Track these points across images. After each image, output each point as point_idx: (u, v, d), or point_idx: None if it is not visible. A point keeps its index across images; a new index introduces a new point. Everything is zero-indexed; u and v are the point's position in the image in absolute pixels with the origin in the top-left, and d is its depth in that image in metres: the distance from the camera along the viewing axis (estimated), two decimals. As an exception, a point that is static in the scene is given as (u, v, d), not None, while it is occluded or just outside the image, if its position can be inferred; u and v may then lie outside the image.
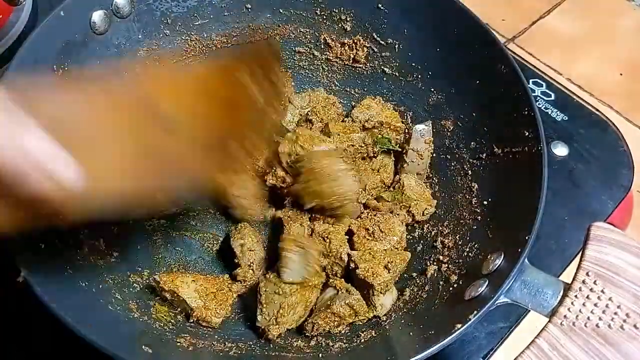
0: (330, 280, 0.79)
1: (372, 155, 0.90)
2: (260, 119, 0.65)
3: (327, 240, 0.79)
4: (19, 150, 0.39)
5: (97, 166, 0.47)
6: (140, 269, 0.82)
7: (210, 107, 0.59)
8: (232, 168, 0.65)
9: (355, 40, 0.96)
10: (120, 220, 0.52)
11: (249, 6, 0.96)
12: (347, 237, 0.83)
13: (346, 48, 0.98)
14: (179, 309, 0.79)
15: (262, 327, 0.75)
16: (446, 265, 0.79)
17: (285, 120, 0.94)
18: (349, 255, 0.80)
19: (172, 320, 0.76)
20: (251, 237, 0.83)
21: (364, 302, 0.77)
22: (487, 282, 0.66)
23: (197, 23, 0.95)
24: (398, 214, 0.86)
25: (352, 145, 0.87)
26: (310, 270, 0.76)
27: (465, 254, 0.77)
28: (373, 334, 0.75)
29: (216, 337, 0.76)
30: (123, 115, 0.52)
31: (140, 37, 0.90)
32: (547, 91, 1.08)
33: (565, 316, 0.60)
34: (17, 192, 0.40)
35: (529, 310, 0.66)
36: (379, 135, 0.92)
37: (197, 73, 0.63)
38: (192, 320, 0.77)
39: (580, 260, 0.63)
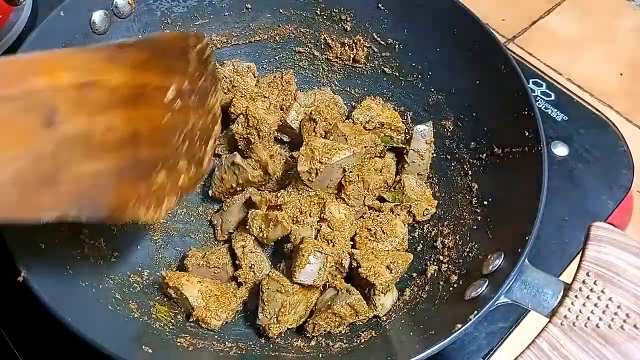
0: (331, 281, 0.79)
1: (380, 155, 0.91)
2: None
3: (331, 244, 0.79)
4: None
5: None
6: (140, 269, 0.82)
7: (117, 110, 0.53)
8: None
9: (355, 40, 0.96)
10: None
11: (249, 6, 0.96)
12: (351, 242, 0.83)
13: (346, 48, 0.98)
14: (179, 309, 0.79)
15: (263, 325, 0.75)
16: (446, 265, 0.79)
17: (290, 118, 0.94)
18: (351, 254, 0.80)
19: (172, 320, 0.76)
20: (252, 239, 0.83)
21: (365, 301, 0.77)
22: (487, 282, 0.66)
23: (197, 23, 0.95)
24: (399, 214, 0.86)
25: (365, 147, 0.87)
26: (323, 275, 0.76)
27: (466, 254, 0.77)
28: (373, 334, 0.75)
29: (216, 337, 0.76)
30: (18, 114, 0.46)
31: (140, 37, 0.90)
32: (547, 91, 1.08)
33: (565, 316, 0.60)
34: None
35: (529, 311, 0.66)
36: (383, 134, 0.92)
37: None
38: (192, 320, 0.77)
39: (580, 260, 0.63)
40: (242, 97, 0.92)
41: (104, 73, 0.52)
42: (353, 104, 0.99)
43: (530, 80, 1.08)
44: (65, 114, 0.48)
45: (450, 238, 0.82)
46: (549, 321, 0.61)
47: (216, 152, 0.97)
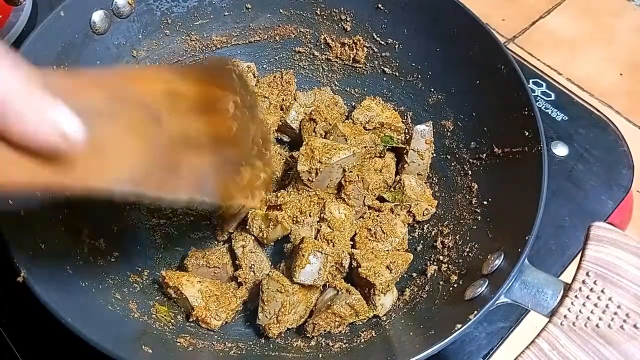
0: (331, 281, 0.79)
1: (380, 155, 0.91)
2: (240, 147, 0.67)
3: (331, 244, 0.79)
4: (33, 103, 0.42)
5: (100, 140, 0.49)
6: (140, 269, 0.82)
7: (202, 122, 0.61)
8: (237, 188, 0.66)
9: (355, 40, 0.96)
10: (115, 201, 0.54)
11: (249, 6, 0.96)
12: (351, 242, 0.83)
13: (346, 48, 0.98)
14: (179, 309, 0.79)
15: (263, 325, 0.75)
16: (446, 265, 0.79)
17: (290, 118, 0.94)
18: (351, 254, 0.80)
19: (172, 321, 0.76)
20: (252, 239, 0.83)
21: (365, 301, 0.77)
22: (487, 282, 0.66)
23: (197, 23, 0.95)
24: (399, 214, 0.86)
25: (365, 147, 0.87)
26: (323, 275, 0.76)
27: (465, 254, 0.77)
28: (373, 334, 0.75)
29: (216, 337, 0.76)
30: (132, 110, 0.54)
31: (140, 37, 0.90)
32: (547, 91, 1.08)
33: (565, 316, 0.60)
34: (26, 139, 0.43)
35: (529, 310, 0.66)
36: (383, 134, 0.92)
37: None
38: (192, 320, 0.77)
39: (580, 260, 0.63)
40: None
41: (181, 85, 0.60)
42: (353, 104, 0.99)
43: (530, 80, 1.08)
44: (165, 115, 0.56)
45: (450, 238, 0.82)
46: (549, 321, 0.61)
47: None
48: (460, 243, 0.80)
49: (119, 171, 0.50)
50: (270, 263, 0.84)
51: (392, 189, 0.89)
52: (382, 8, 0.92)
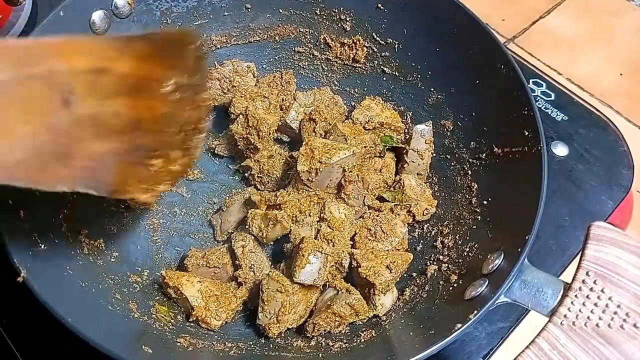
0: (331, 281, 0.79)
1: (380, 155, 0.91)
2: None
3: (331, 243, 0.79)
4: None
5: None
6: (140, 269, 0.82)
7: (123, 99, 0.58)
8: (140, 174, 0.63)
9: (355, 40, 0.96)
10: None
11: (248, 6, 0.96)
12: (351, 242, 0.83)
13: (346, 48, 0.98)
14: (179, 309, 0.79)
15: (263, 325, 0.75)
16: (446, 265, 0.79)
17: (290, 118, 0.94)
18: (351, 254, 0.80)
19: (172, 321, 0.76)
20: (252, 239, 0.83)
21: (365, 301, 0.77)
22: (487, 282, 0.66)
23: (196, 23, 0.95)
24: (399, 214, 0.86)
25: (365, 147, 0.87)
26: (323, 275, 0.76)
27: (465, 253, 0.77)
28: (373, 333, 0.75)
29: (216, 337, 0.76)
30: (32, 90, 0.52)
31: (143, 32, 0.90)
32: (547, 91, 1.08)
33: (565, 316, 0.60)
34: None
35: (529, 310, 0.66)
36: (383, 134, 0.92)
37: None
38: (192, 320, 0.77)
39: (580, 259, 0.63)
40: (241, 97, 0.93)
41: (115, 61, 0.57)
42: (353, 103, 0.99)
43: (530, 80, 1.08)
44: (80, 96, 0.54)
45: (450, 238, 0.82)
46: (549, 321, 0.61)
47: (216, 152, 0.97)
48: (460, 243, 0.80)
49: None
50: (270, 263, 0.84)
51: (392, 188, 0.89)
52: (382, 8, 0.92)
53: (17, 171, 0.51)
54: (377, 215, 0.85)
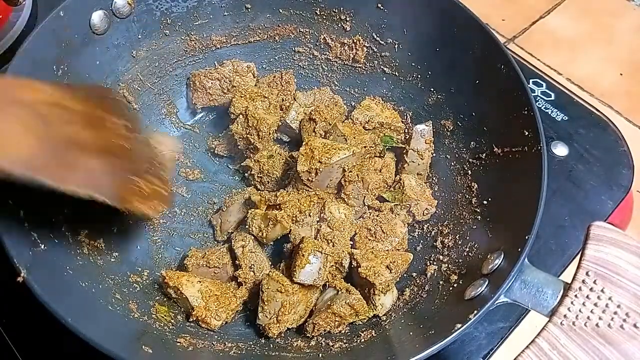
0: (331, 281, 0.79)
1: (380, 155, 0.91)
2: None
3: (331, 243, 0.79)
4: None
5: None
6: (140, 269, 0.82)
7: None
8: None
9: (355, 40, 0.96)
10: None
11: (248, 6, 0.96)
12: (351, 242, 0.83)
13: (346, 48, 0.98)
14: (179, 309, 0.79)
15: (263, 325, 0.75)
16: (446, 265, 0.79)
17: (290, 118, 0.94)
18: (351, 254, 0.80)
19: (172, 321, 0.76)
20: (252, 239, 0.83)
21: (365, 301, 0.77)
22: (487, 282, 0.66)
23: (197, 23, 0.95)
24: (399, 214, 0.86)
25: (365, 147, 0.87)
26: (323, 275, 0.76)
27: (465, 253, 0.77)
28: (373, 333, 0.75)
29: (216, 337, 0.76)
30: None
31: (139, 37, 0.90)
32: (547, 91, 1.08)
33: (565, 316, 0.60)
34: None
35: (529, 310, 0.65)
36: (382, 134, 0.92)
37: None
38: (192, 320, 0.77)
39: (580, 259, 0.63)
40: (241, 97, 0.93)
41: (68, 101, 0.68)
42: (353, 104, 0.99)
43: (530, 80, 1.08)
44: (52, 120, 0.64)
45: (450, 238, 0.82)
46: (549, 320, 0.61)
47: (216, 152, 0.97)
48: (460, 243, 0.80)
49: (12, 154, 0.58)
50: (270, 263, 0.84)
51: (392, 188, 0.89)
52: (382, 8, 0.92)
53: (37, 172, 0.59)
54: (377, 215, 0.85)
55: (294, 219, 0.81)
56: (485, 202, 0.80)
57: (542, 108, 1.05)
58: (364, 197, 0.86)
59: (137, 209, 0.69)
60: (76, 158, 0.64)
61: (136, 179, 0.70)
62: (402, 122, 0.94)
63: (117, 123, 0.72)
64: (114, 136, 0.71)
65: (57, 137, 0.64)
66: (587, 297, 0.61)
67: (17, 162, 0.58)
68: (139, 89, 0.94)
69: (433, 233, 0.86)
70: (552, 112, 1.05)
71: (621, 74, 1.43)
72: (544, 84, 1.09)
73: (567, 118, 1.05)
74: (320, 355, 0.73)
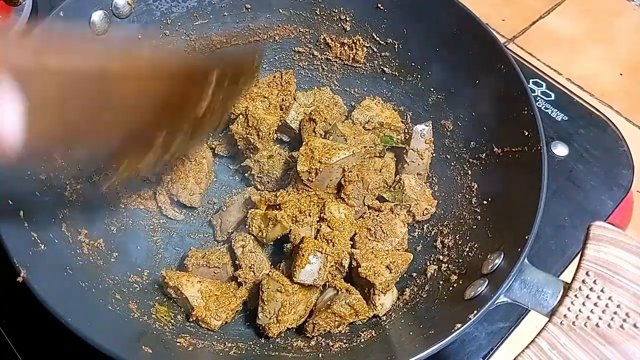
0: (331, 281, 0.79)
1: (380, 155, 0.91)
2: (193, 123, 0.68)
3: (331, 243, 0.79)
4: None
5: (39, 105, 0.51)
6: (140, 269, 0.82)
7: (157, 95, 0.61)
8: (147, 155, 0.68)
9: (355, 40, 0.96)
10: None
11: (248, 6, 0.96)
12: (351, 242, 0.83)
13: (346, 48, 0.98)
14: (179, 309, 0.79)
15: (263, 325, 0.75)
16: (446, 265, 0.79)
17: (290, 118, 0.94)
18: (351, 254, 0.80)
19: (172, 321, 0.76)
20: (252, 239, 0.83)
21: (364, 301, 0.77)
22: (487, 282, 0.66)
23: (196, 23, 0.95)
24: (399, 214, 0.86)
25: (364, 147, 0.87)
26: (323, 275, 0.76)
27: (465, 253, 0.77)
28: (373, 333, 0.75)
29: (216, 337, 0.76)
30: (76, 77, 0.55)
31: (140, 37, 0.90)
32: (547, 91, 1.08)
33: (565, 315, 0.60)
34: None
35: (529, 310, 0.65)
36: (382, 134, 0.92)
37: (170, 60, 0.65)
38: (192, 320, 0.77)
39: (580, 259, 0.63)
40: (241, 97, 0.92)
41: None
42: (353, 104, 0.99)
43: (530, 80, 1.08)
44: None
45: (450, 238, 0.82)
46: (549, 320, 0.61)
47: (216, 152, 0.97)
48: (460, 243, 0.80)
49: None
50: (270, 263, 0.84)
51: (392, 188, 0.89)
52: (382, 8, 0.92)
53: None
54: (377, 215, 0.85)
55: (294, 219, 0.81)
56: (485, 202, 0.80)
57: (542, 108, 1.05)
58: (364, 197, 0.86)
59: (124, 166, 0.68)
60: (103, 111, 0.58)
61: (151, 136, 0.65)
62: (402, 122, 0.94)
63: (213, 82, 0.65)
64: (197, 89, 0.64)
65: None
66: (587, 297, 0.61)
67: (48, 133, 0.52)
68: (139, 89, 0.93)
69: (433, 233, 0.86)
70: (552, 112, 1.05)
71: (621, 74, 1.43)
72: (544, 84, 1.09)
73: (567, 118, 1.05)
74: (320, 355, 0.73)
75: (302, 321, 0.78)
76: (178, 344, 0.72)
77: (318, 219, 0.82)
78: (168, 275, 0.78)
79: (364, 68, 0.98)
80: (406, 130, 0.94)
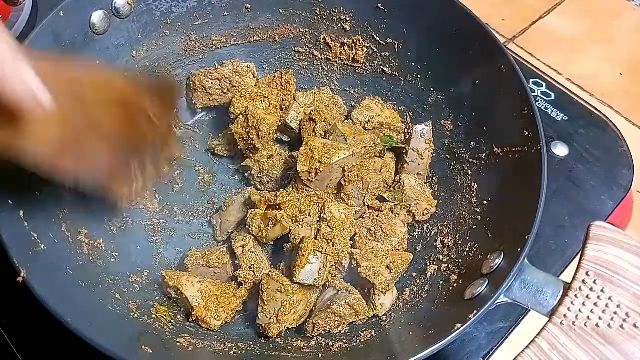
0: (330, 281, 0.79)
1: (380, 155, 0.91)
2: (149, 142, 0.72)
3: (331, 243, 0.79)
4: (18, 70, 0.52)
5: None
6: (140, 269, 0.82)
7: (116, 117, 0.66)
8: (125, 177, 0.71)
9: (355, 40, 0.96)
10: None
11: (248, 6, 0.96)
12: (351, 242, 0.83)
13: (346, 48, 0.98)
14: (179, 309, 0.79)
15: (263, 325, 0.75)
16: (446, 265, 0.79)
17: (290, 118, 0.94)
18: (351, 254, 0.80)
19: (172, 321, 0.76)
20: (252, 239, 0.83)
21: (364, 301, 0.77)
22: (487, 282, 0.66)
23: (197, 23, 0.95)
24: (399, 214, 0.86)
25: (364, 147, 0.87)
26: (323, 275, 0.76)
27: (465, 253, 0.77)
28: (373, 333, 0.75)
29: (216, 337, 0.76)
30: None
31: (139, 37, 0.90)
32: (547, 91, 1.08)
33: (565, 316, 0.60)
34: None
35: (529, 310, 0.65)
36: (382, 134, 0.92)
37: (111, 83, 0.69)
38: (192, 320, 0.77)
39: (580, 259, 0.63)
40: (241, 97, 0.93)
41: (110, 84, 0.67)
42: (353, 104, 0.99)
43: (530, 80, 1.08)
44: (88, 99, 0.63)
45: (450, 238, 0.82)
46: (549, 320, 0.61)
47: (216, 152, 0.97)
48: (460, 243, 0.80)
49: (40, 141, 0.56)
50: (270, 263, 0.84)
51: (392, 188, 0.89)
52: (382, 8, 0.92)
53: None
54: (377, 215, 0.85)
55: (294, 219, 0.81)
56: (485, 202, 0.80)
57: (542, 108, 1.05)
58: (364, 197, 0.86)
59: (115, 192, 0.70)
60: (90, 142, 0.62)
61: (135, 163, 0.70)
62: (402, 122, 0.94)
63: (153, 108, 0.70)
64: (141, 121, 0.69)
65: (82, 122, 0.61)
66: (587, 297, 0.61)
67: (39, 150, 0.56)
68: (139, 89, 0.94)
69: (433, 233, 0.86)
70: (552, 112, 1.05)
71: (621, 74, 1.43)
72: (544, 84, 1.09)
73: (567, 118, 1.05)
74: (320, 355, 0.73)
75: (302, 321, 0.78)
76: (178, 344, 0.72)
77: (318, 219, 0.82)
78: (168, 275, 0.78)
79: (364, 68, 0.98)
80: (406, 130, 0.94)
